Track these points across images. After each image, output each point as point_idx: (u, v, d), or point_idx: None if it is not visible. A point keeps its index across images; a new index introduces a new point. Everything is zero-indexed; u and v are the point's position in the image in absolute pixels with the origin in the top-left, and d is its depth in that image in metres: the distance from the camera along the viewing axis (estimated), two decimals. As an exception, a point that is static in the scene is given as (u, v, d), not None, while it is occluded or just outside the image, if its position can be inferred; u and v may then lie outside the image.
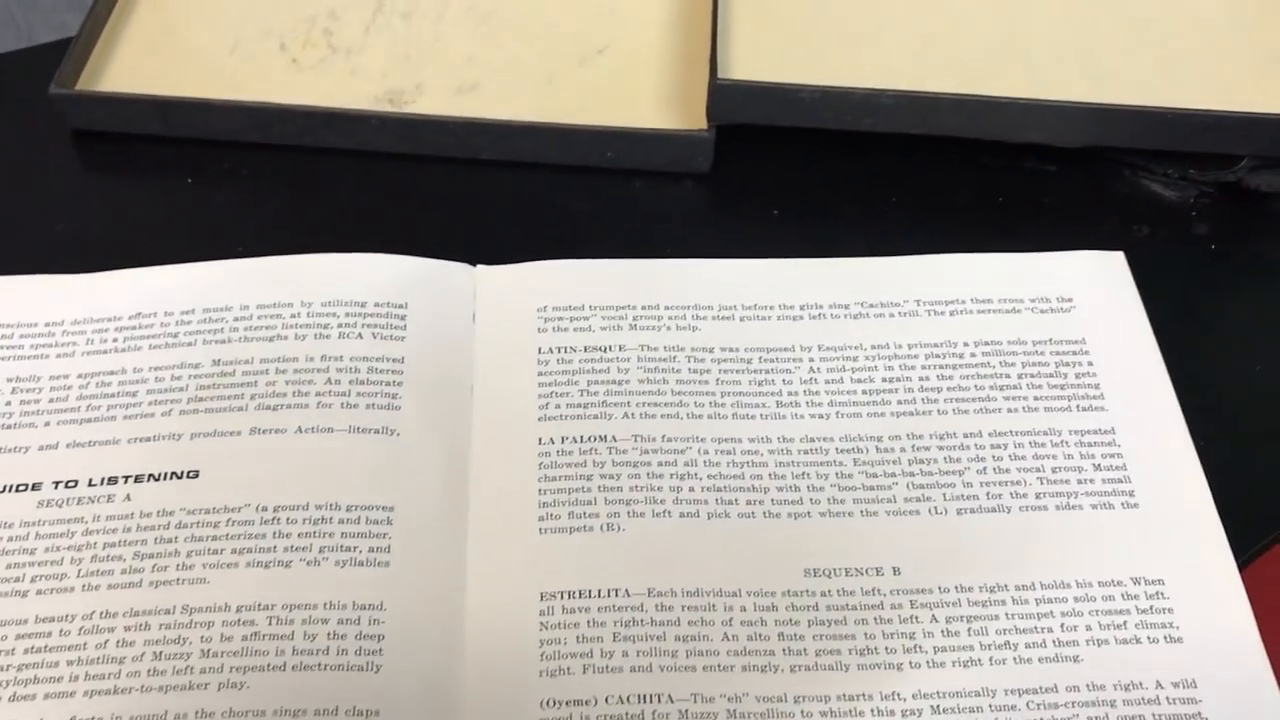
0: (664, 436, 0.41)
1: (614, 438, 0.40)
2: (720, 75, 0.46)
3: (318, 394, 0.41)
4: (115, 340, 0.42)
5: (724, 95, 0.46)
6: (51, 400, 0.41)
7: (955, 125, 0.47)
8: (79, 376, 0.42)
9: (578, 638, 0.36)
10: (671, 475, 0.40)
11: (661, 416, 0.41)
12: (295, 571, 0.37)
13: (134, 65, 0.50)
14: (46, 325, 0.43)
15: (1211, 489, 0.40)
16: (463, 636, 0.36)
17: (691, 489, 0.39)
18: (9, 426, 0.40)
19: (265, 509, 0.38)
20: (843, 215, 0.48)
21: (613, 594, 0.37)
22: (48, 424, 0.40)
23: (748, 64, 0.47)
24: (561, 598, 0.37)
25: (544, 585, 0.37)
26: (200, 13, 0.52)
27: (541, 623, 0.37)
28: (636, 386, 0.42)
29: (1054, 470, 0.40)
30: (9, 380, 0.42)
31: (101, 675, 0.35)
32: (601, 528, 0.38)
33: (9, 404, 0.41)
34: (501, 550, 0.38)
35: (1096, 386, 0.42)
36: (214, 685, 0.35)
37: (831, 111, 0.46)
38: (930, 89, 0.46)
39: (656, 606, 0.37)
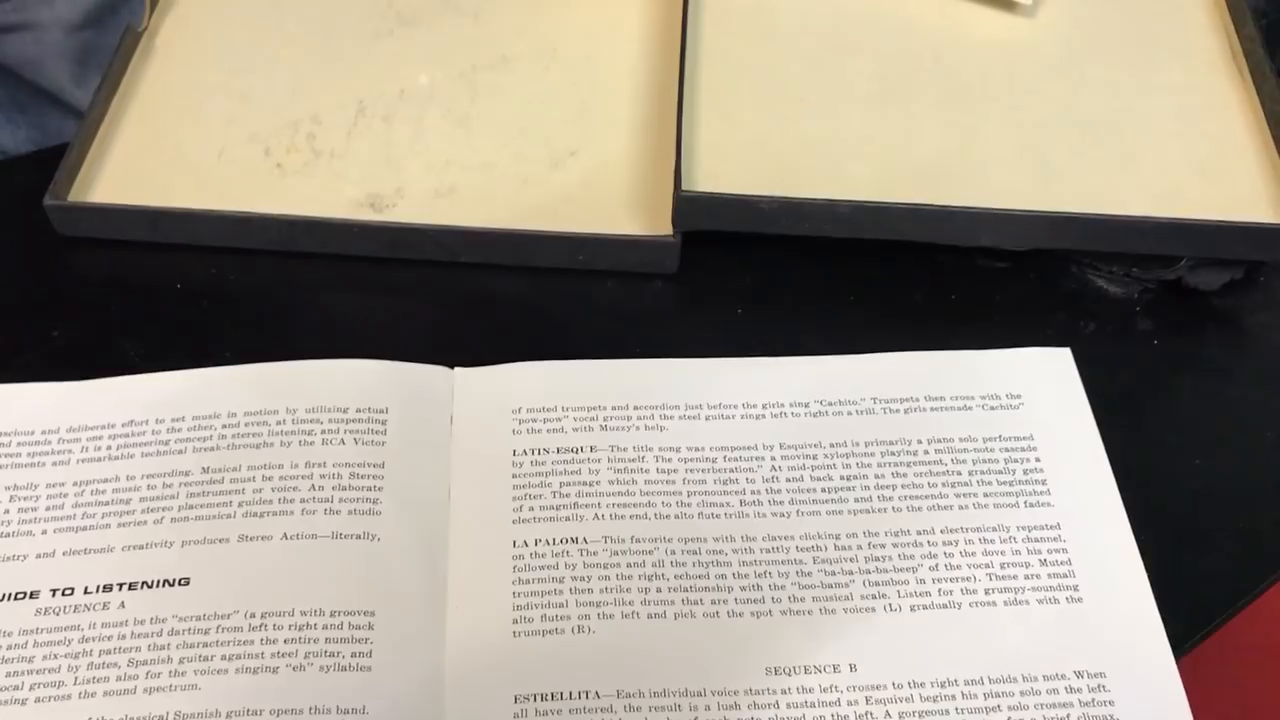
0: (633, 537, 0.43)
1: (585, 539, 0.42)
2: (684, 187, 0.49)
3: (302, 500, 0.43)
4: (109, 448, 0.44)
5: (688, 205, 0.48)
6: (48, 508, 0.43)
7: (909, 231, 0.49)
8: (74, 484, 0.43)
9: None
10: (640, 576, 0.42)
11: (630, 517, 0.43)
12: (282, 677, 0.39)
13: (124, 173, 0.52)
14: (43, 433, 0.45)
15: (1151, 582, 0.42)
16: None
17: (659, 589, 0.41)
18: (8, 535, 0.42)
19: (254, 615, 0.40)
20: (804, 314, 0.51)
21: (583, 696, 0.39)
22: (45, 532, 0.42)
23: (711, 173, 0.50)
24: (535, 700, 0.39)
25: (518, 688, 0.39)
26: (187, 120, 0.54)
27: None
28: (607, 487, 0.44)
29: (1002, 566, 0.42)
30: (6, 489, 0.43)
31: None
32: (573, 630, 0.40)
33: (7, 512, 0.43)
34: (478, 654, 0.40)
35: (1043, 482, 0.44)
36: None
37: (791, 220, 0.49)
38: (886, 198, 0.49)
39: (625, 708, 0.39)
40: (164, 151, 0.53)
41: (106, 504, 0.43)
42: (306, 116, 0.55)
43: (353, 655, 0.39)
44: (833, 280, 0.52)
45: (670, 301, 0.51)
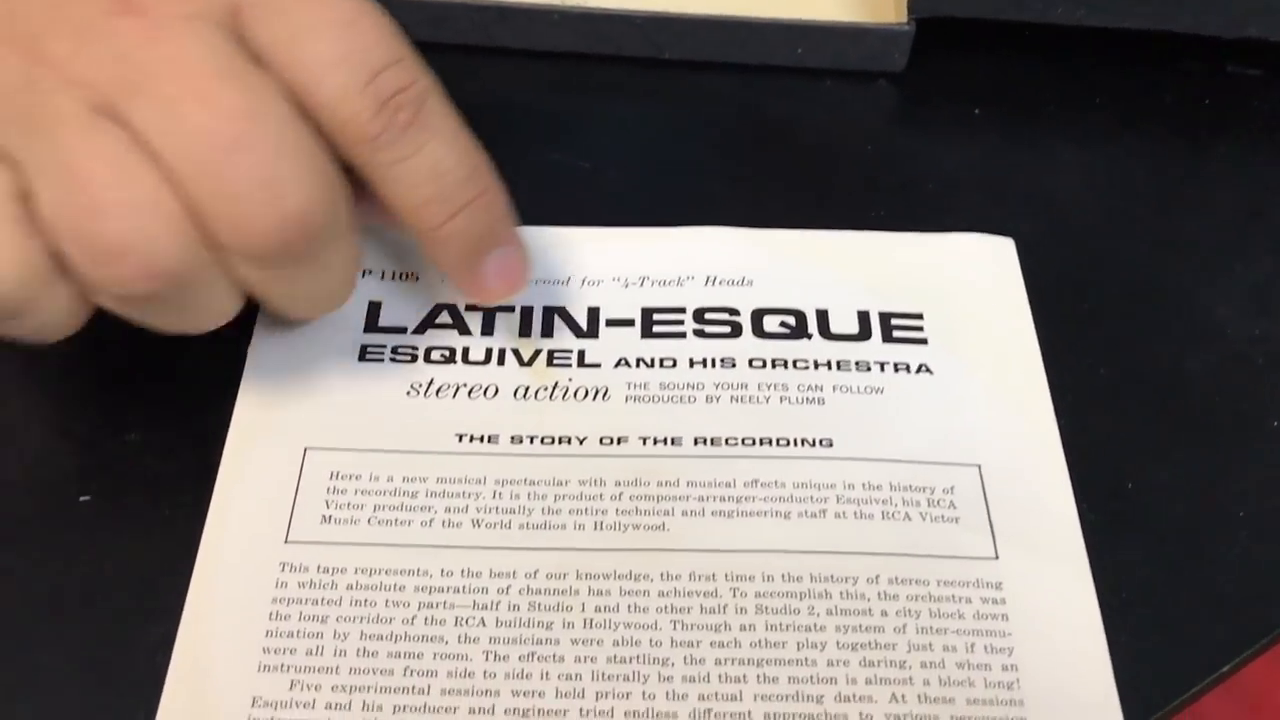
0: None
1: None
2: (927, -36, 0.44)
3: None
4: None
5: (930, -15, 0.44)
6: None
7: (1174, 19, 0.44)
8: None
9: None
10: None
11: None
12: None
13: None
14: None
15: None
16: None
17: None
18: None
19: None
20: (1048, 117, 0.46)
21: None
22: None
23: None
24: None
25: None
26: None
27: None
28: None
29: None
30: None
31: None
32: None
33: None
34: None
35: None
36: None
37: (1041, 4, 0.44)
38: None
39: None
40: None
41: None
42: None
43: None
44: (1074, 84, 0.47)
45: (898, 101, 0.46)
